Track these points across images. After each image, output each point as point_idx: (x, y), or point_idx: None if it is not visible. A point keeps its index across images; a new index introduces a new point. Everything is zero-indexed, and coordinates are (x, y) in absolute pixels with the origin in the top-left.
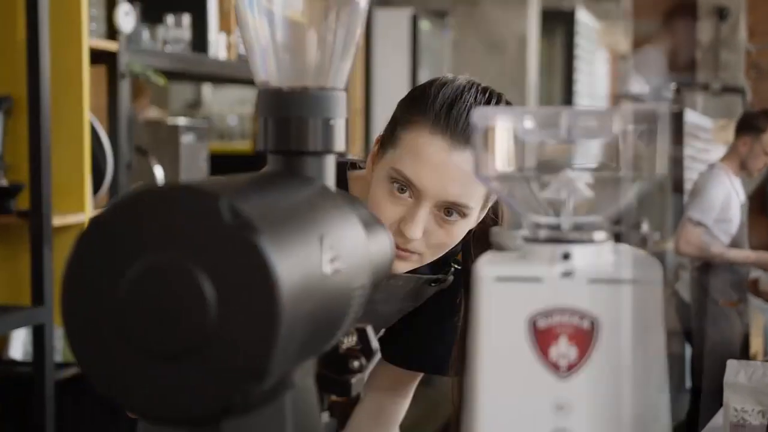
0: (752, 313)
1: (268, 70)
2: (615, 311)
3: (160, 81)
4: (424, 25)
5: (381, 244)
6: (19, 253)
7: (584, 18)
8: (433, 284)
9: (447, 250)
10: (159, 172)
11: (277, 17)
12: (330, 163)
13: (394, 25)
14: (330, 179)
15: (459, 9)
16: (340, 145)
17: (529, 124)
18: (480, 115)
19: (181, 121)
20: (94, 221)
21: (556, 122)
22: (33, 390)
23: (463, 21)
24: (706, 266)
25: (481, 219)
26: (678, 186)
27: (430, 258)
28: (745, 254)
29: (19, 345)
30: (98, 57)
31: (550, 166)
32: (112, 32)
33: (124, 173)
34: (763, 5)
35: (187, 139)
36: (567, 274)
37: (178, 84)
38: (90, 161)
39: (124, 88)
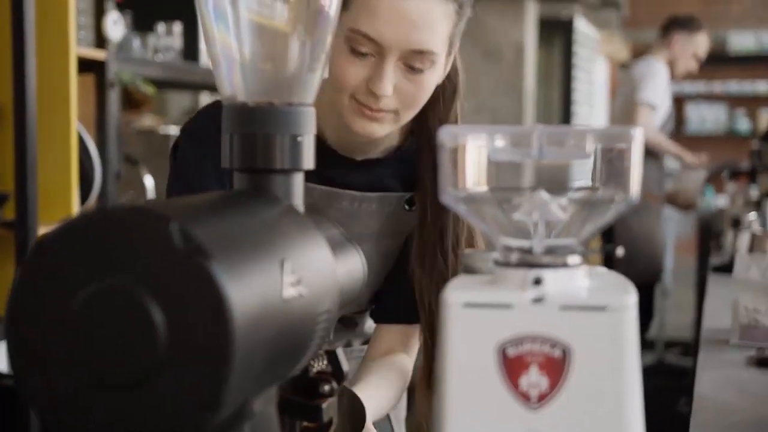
0: None
1: (234, 85)
2: (588, 339)
3: (149, 90)
4: None
5: (350, 265)
6: (5, 265)
7: (583, 27)
8: (407, 207)
9: (421, 105)
10: (149, 182)
11: (242, 30)
12: (298, 181)
13: None
14: (298, 198)
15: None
16: (308, 162)
17: (500, 143)
18: (448, 133)
19: (173, 130)
20: (40, 244)
21: (528, 141)
22: (18, 402)
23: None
24: None
25: (447, 71)
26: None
27: (406, 116)
28: (676, 147)
29: (4, 357)
30: (87, 66)
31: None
32: (101, 41)
33: (112, 183)
34: None
35: None
36: (538, 301)
37: (175, 92)
38: (77, 171)
39: (113, 97)
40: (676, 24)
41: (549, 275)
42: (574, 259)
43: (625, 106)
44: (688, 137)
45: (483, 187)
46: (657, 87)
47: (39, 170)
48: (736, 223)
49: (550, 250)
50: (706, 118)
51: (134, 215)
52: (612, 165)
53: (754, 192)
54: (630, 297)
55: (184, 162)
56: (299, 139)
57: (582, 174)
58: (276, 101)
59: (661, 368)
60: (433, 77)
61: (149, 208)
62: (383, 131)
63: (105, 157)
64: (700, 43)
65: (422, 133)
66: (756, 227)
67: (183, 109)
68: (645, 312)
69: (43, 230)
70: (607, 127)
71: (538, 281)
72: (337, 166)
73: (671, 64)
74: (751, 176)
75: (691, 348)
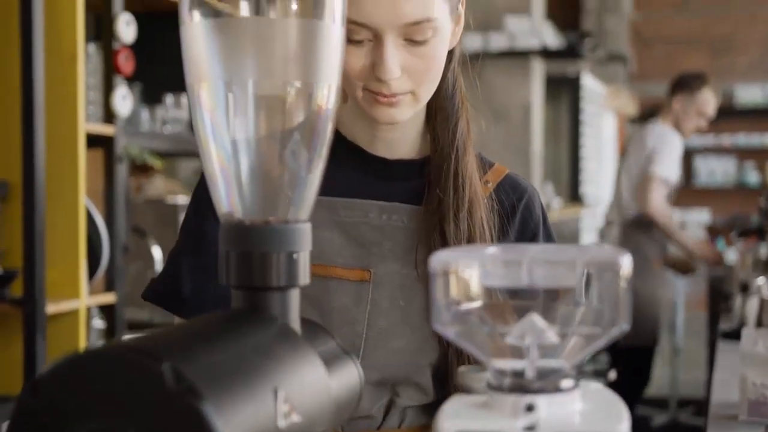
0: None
1: (231, 203)
2: None
3: (157, 163)
4: None
5: (346, 379)
6: (12, 342)
7: (589, 83)
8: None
9: (438, 78)
10: (157, 253)
11: (240, 149)
12: (294, 297)
13: None
14: (294, 313)
15: (462, 78)
16: (304, 278)
17: (491, 267)
18: (439, 260)
19: (181, 199)
20: (34, 384)
21: (518, 267)
22: None
23: (467, 90)
24: (638, 222)
25: (458, 35)
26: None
27: (425, 93)
28: (690, 241)
29: None
30: (96, 140)
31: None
32: (109, 116)
33: (120, 257)
34: None
35: None
36: (530, 429)
37: (184, 158)
38: (85, 246)
39: (121, 171)
40: (677, 85)
41: (542, 401)
42: (567, 383)
43: (638, 176)
44: (697, 190)
45: (474, 312)
46: (673, 160)
47: (47, 247)
48: (745, 288)
49: (542, 374)
50: (715, 170)
51: (127, 355)
52: (602, 290)
53: (763, 250)
54: (623, 424)
55: (193, 203)
56: (295, 256)
57: (574, 298)
58: (272, 219)
59: (674, 428)
60: (440, 45)
61: (142, 348)
62: (406, 115)
63: (113, 230)
64: (703, 101)
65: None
66: (765, 292)
67: (193, 170)
68: (642, 375)
69: (51, 307)
70: (596, 252)
71: (530, 408)
72: (368, 170)
73: (677, 125)
74: (760, 234)
75: (704, 407)
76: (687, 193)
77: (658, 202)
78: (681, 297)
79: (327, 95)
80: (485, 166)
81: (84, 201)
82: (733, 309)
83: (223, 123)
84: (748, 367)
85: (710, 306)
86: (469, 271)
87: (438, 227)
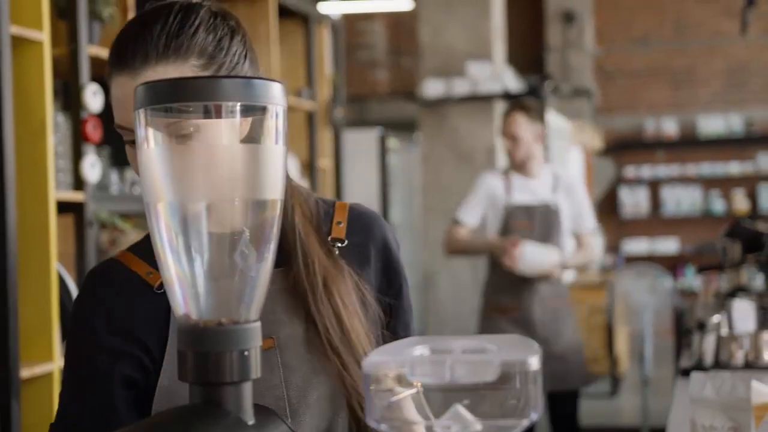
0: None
1: (186, 305)
2: None
3: (126, 227)
4: (392, 143)
5: None
6: None
7: (555, 120)
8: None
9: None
10: None
11: (194, 259)
12: (247, 390)
13: (363, 145)
14: (247, 405)
15: (427, 123)
16: (256, 371)
17: (417, 368)
18: (369, 363)
19: None
20: None
21: (442, 366)
22: None
23: (432, 135)
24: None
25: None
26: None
27: None
28: (483, 240)
29: None
30: (66, 206)
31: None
32: (79, 182)
33: None
34: (609, 10)
35: None
36: None
37: None
38: (58, 311)
39: (91, 235)
40: None
41: None
42: None
43: None
44: (665, 220)
45: (404, 406)
46: (471, 204)
47: (20, 312)
48: (702, 326)
49: None
50: (681, 200)
51: None
52: (514, 385)
53: (725, 284)
54: None
55: (78, 333)
56: (246, 353)
57: (493, 391)
58: (225, 320)
59: None
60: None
61: None
62: None
63: None
64: (532, 129)
65: None
66: (723, 329)
67: None
68: (569, 414)
69: (24, 372)
70: (510, 351)
71: None
72: None
73: (523, 164)
74: (720, 269)
75: None
76: (655, 222)
77: (444, 240)
78: (649, 327)
79: (272, 207)
80: (330, 208)
81: (55, 266)
82: (692, 346)
83: (178, 236)
84: (697, 410)
85: (676, 337)
86: (398, 371)
87: (306, 310)
